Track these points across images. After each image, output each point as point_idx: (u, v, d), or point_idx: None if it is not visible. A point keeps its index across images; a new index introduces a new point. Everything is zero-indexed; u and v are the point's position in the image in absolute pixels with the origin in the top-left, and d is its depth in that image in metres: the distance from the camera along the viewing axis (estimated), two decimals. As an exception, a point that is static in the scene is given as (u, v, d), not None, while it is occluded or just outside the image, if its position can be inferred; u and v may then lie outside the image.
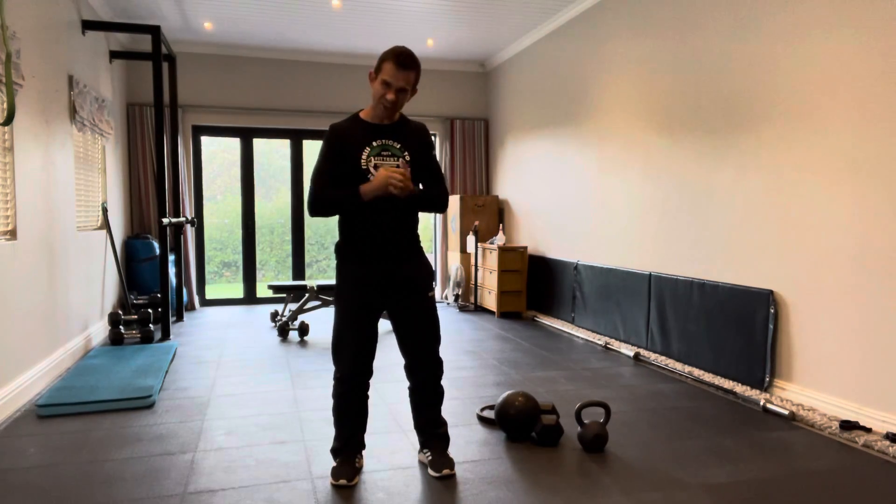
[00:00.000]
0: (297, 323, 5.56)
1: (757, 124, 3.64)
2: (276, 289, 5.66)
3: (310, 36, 6.41)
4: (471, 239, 6.87)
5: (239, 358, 4.55)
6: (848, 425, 2.96)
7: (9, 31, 3.23)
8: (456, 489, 2.39)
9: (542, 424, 2.81)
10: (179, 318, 6.19)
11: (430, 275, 2.56)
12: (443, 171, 7.40)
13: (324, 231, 7.98)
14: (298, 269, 7.41)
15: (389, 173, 2.27)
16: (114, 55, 5.80)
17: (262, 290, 7.35)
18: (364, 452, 2.72)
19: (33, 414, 3.27)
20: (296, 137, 7.28)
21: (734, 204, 3.82)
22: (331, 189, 2.37)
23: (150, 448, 2.79)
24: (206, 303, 7.19)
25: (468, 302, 7.10)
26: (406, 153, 2.41)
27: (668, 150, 4.40)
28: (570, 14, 5.59)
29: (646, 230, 4.67)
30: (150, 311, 5.13)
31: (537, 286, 6.37)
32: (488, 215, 7.15)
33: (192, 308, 6.86)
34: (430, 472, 2.50)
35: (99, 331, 5.11)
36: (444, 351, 4.76)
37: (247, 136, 7.12)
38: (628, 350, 4.63)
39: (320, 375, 4.06)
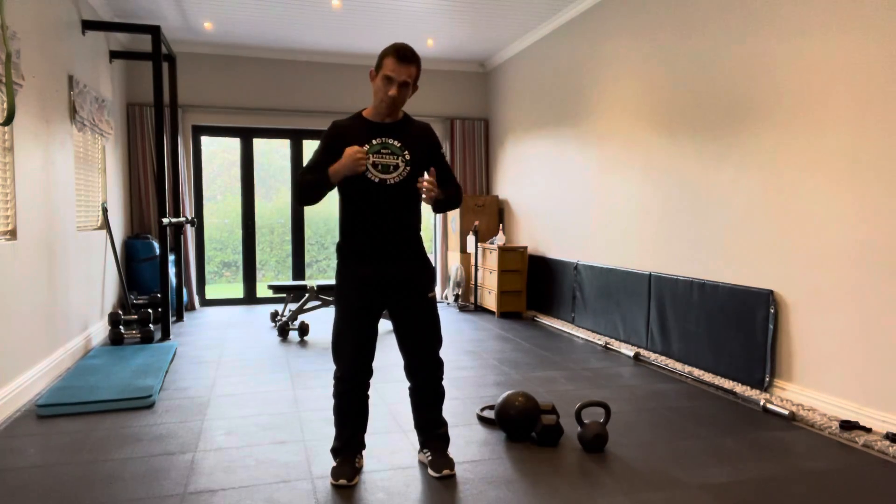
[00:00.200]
0: (297, 323, 5.56)
1: (757, 124, 3.64)
2: (276, 289, 5.66)
3: (310, 36, 6.41)
4: (471, 239, 6.87)
5: (239, 358, 4.55)
6: (848, 425, 2.96)
7: (9, 31, 3.23)
8: (456, 489, 2.39)
9: (543, 424, 2.81)
10: (179, 318, 6.19)
11: (431, 275, 2.55)
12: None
13: (324, 231, 7.98)
14: (298, 269, 7.41)
15: (353, 151, 2.26)
16: (114, 55, 5.80)
17: (262, 290, 7.35)
18: (364, 452, 2.72)
19: (33, 414, 3.27)
20: (296, 137, 7.28)
21: (734, 204, 3.82)
22: (309, 174, 2.38)
23: (150, 448, 2.79)
24: (206, 303, 7.19)
25: (468, 302, 7.10)
26: (406, 152, 2.41)
27: (669, 150, 4.40)
28: (570, 14, 5.59)
29: (646, 230, 4.67)
30: (150, 311, 5.13)
31: (537, 286, 6.37)
32: (488, 215, 7.15)
33: (192, 308, 6.86)
34: (430, 472, 2.50)
35: (99, 331, 5.11)
36: (445, 351, 4.76)
37: (247, 136, 7.12)
38: (628, 350, 4.63)
39: (320, 375, 4.06)
